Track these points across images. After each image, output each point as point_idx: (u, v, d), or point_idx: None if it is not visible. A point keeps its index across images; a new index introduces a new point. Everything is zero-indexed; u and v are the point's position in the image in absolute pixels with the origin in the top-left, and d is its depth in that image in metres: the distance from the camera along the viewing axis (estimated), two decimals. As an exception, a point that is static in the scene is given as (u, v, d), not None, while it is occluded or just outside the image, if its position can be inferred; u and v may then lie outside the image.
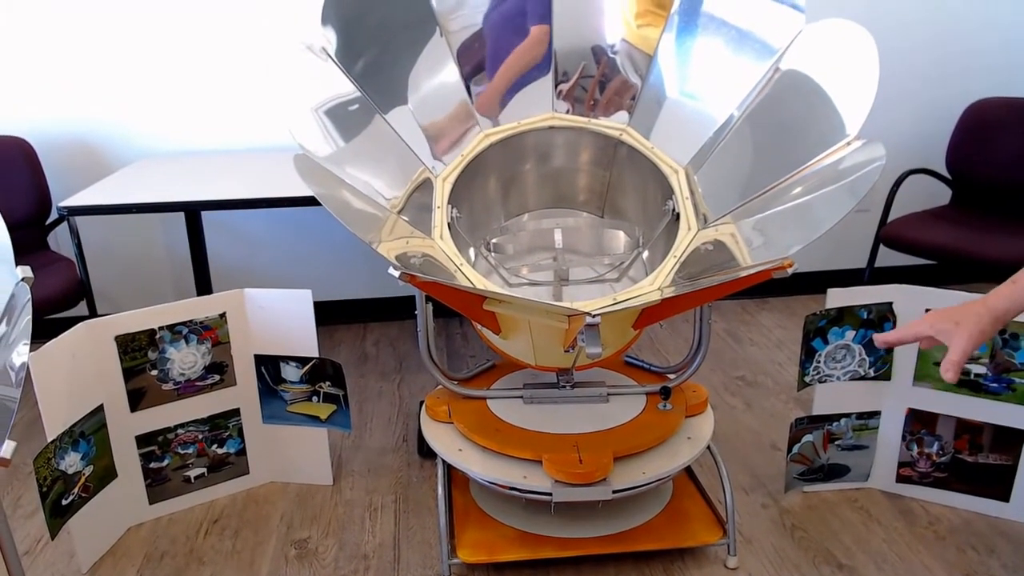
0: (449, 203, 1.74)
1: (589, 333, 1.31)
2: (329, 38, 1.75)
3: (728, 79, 1.80)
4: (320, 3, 1.77)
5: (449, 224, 1.70)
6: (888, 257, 2.81)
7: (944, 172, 2.93)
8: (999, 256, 2.42)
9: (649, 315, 1.66)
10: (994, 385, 1.77)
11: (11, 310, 1.13)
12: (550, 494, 1.50)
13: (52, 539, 1.65)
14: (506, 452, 1.57)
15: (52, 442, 1.63)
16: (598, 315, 1.29)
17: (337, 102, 1.73)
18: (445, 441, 1.67)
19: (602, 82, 1.92)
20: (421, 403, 1.82)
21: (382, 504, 1.96)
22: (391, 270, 1.33)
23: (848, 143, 1.54)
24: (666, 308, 1.59)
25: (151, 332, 1.82)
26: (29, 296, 1.05)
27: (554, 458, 1.51)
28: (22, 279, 1.10)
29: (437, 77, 1.88)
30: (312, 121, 1.66)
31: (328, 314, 3.05)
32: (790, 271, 1.34)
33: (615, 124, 1.90)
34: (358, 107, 1.75)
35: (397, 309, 3.12)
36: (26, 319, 1.11)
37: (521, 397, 1.74)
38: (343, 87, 1.74)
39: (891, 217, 2.81)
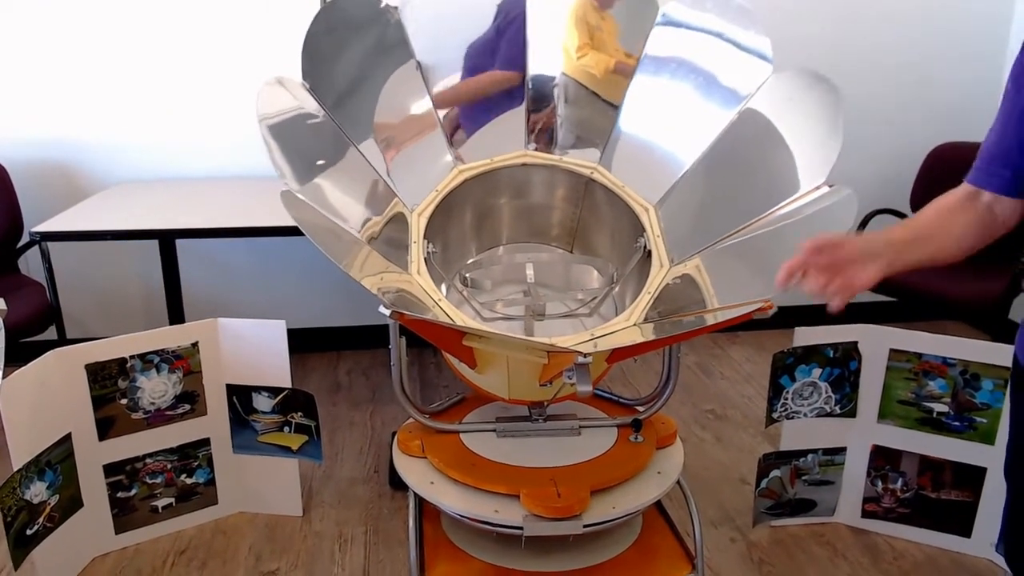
0: (424, 238, 1.76)
1: (580, 372, 1.33)
2: (307, 70, 1.77)
3: (696, 123, 1.84)
4: (301, 35, 1.79)
5: (425, 259, 1.72)
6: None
7: (909, 213, 3.01)
8: (960, 295, 2.48)
9: (624, 351, 1.68)
10: (956, 424, 1.82)
11: (-16, 340, 1.13)
12: (521, 528, 1.51)
13: (16, 570, 1.62)
14: (483, 487, 1.57)
15: (18, 471, 1.61)
16: (590, 355, 1.31)
17: (312, 135, 1.75)
18: (417, 475, 1.67)
19: (560, 118, 1.96)
20: (393, 434, 1.82)
21: (352, 536, 1.95)
22: (381, 308, 1.34)
23: (817, 188, 1.58)
24: (643, 345, 1.62)
25: (122, 361, 1.80)
26: (2, 329, 1.05)
27: (532, 492, 1.52)
28: (-4, 310, 1.10)
29: (410, 107, 1.90)
30: (288, 152, 1.67)
31: (301, 341, 3.03)
32: (770, 312, 1.37)
33: (586, 163, 1.93)
34: (332, 139, 1.76)
35: (370, 337, 3.12)
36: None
37: (494, 431, 1.75)
38: (318, 119, 1.75)
39: (857, 255, 2.87)
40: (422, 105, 1.92)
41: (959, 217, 1.14)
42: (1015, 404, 1.18)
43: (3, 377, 1.14)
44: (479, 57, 1.97)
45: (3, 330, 1.06)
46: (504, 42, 1.99)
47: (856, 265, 1.08)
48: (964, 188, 1.15)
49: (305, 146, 1.71)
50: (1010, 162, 1.10)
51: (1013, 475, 1.21)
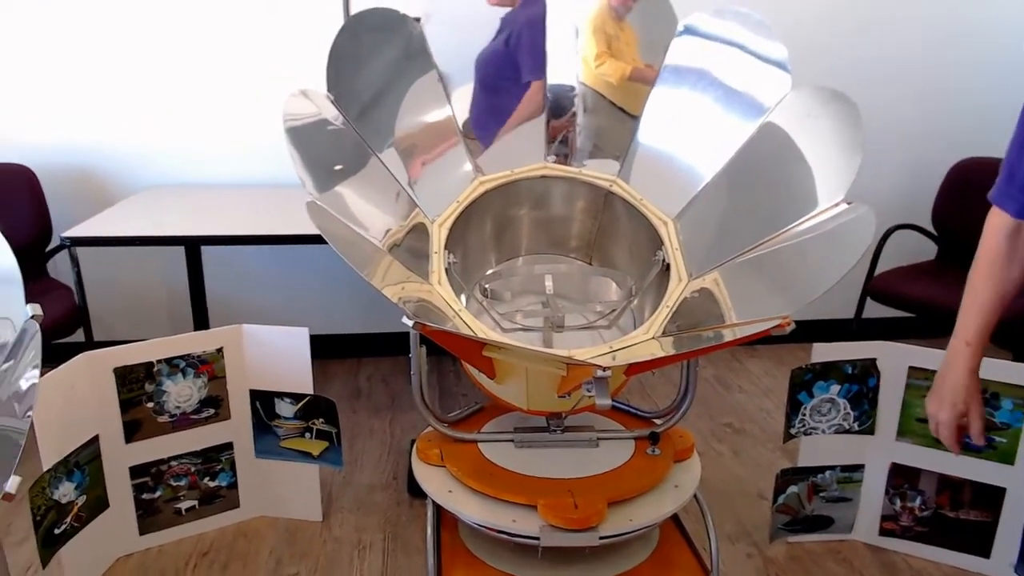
0: (445, 248, 1.78)
1: (598, 384, 1.34)
2: (332, 81, 1.80)
3: (716, 136, 1.85)
4: (324, 46, 1.82)
5: (446, 269, 1.74)
6: (875, 309, 2.87)
7: (930, 228, 3.00)
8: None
9: (643, 364, 1.69)
10: (973, 444, 1.81)
11: (19, 345, 1.16)
12: (538, 538, 1.52)
13: (43, 568, 1.65)
14: (501, 497, 1.58)
15: (47, 471, 1.64)
16: (609, 368, 1.32)
17: (335, 145, 1.77)
18: (436, 483, 1.68)
19: (579, 127, 1.97)
20: (412, 442, 1.84)
21: (371, 542, 1.97)
22: (404, 319, 1.36)
23: (836, 205, 1.59)
24: (661, 359, 1.63)
25: (149, 365, 1.84)
26: (39, 332, 1.08)
27: (550, 503, 1.53)
28: (32, 316, 1.14)
29: (432, 118, 1.93)
30: (312, 162, 1.70)
31: (321, 348, 3.07)
32: (788, 329, 1.38)
33: (605, 175, 1.95)
34: (355, 149, 1.79)
35: (390, 345, 3.15)
36: (33, 355, 1.14)
37: (512, 440, 1.76)
38: (342, 129, 1.78)
39: (878, 270, 2.87)
40: (443, 116, 1.94)
41: (1011, 263, 1.18)
42: None
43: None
44: (488, 68, 1.99)
45: (40, 334, 1.09)
46: (524, 55, 2.01)
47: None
48: (1003, 226, 1.18)
49: (329, 157, 1.74)
50: None
51: None
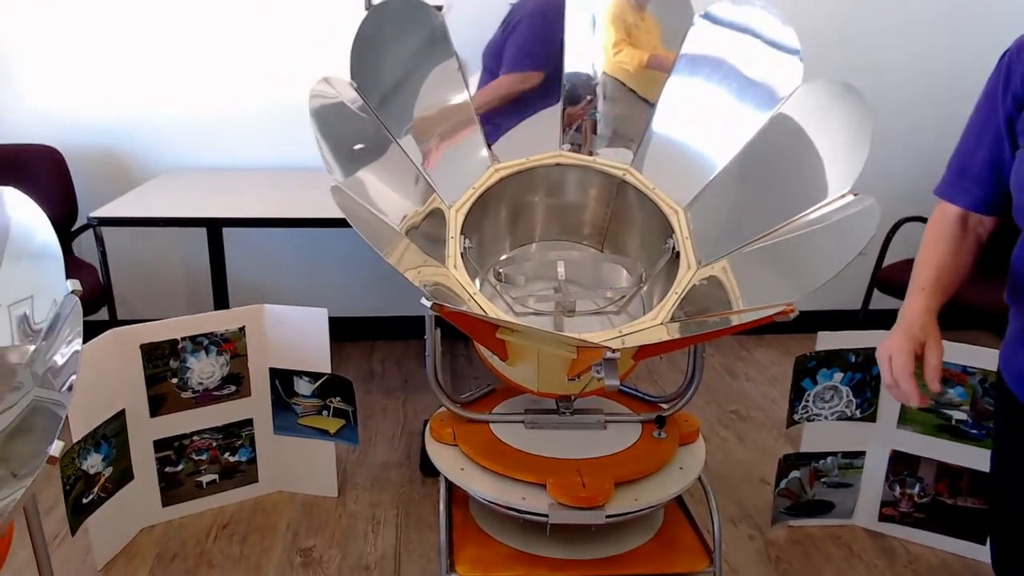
0: (461, 233, 1.83)
1: (607, 366, 1.39)
2: (355, 69, 1.84)
3: (729, 126, 1.88)
4: (345, 31, 1.86)
5: (462, 253, 1.79)
6: (882, 300, 2.90)
7: (940, 221, 3.01)
8: (984, 303, 2.49)
9: (650, 349, 1.74)
10: (974, 432, 1.85)
11: (59, 319, 1.22)
12: (547, 515, 1.58)
13: (72, 535, 1.73)
14: (511, 475, 1.64)
15: (77, 443, 1.71)
16: (618, 351, 1.37)
17: (358, 132, 1.82)
18: (448, 461, 1.74)
19: (595, 116, 2.01)
20: (425, 422, 1.90)
21: (384, 518, 2.04)
22: (423, 300, 1.40)
23: (842, 196, 1.62)
24: (668, 343, 1.67)
25: (174, 342, 1.91)
26: (79, 305, 1.14)
27: (558, 482, 1.59)
28: (71, 291, 1.20)
29: (450, 105, 1.97)
30: (336, 148, 1.75)
31: (336, 330, 3.13)
32: (792, 316, 1.42)
33: (618, 164, 1.98)
34: (376, 136, 1.84)
35: (403, 329, 3.21)
36: (69, 330, 1.19)
37: (523, 422, 1.82)
38: (364, 117, 1.83)
39: (886, 262, 2.90)
40: (462, 103, 1.98)
41: (964, 247, 1.19)
42: (999, 423, 1.20)
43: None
44: (488, 58, 2.03)
45: (80, 307, 1.15)
46: (509, 45, 2.04)
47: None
48: (951, 215, 1.20)
49: (352, 142, 1.79)
50: (982, 180, 1.14)
51: (999, 494, 1.22)
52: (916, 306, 1.18)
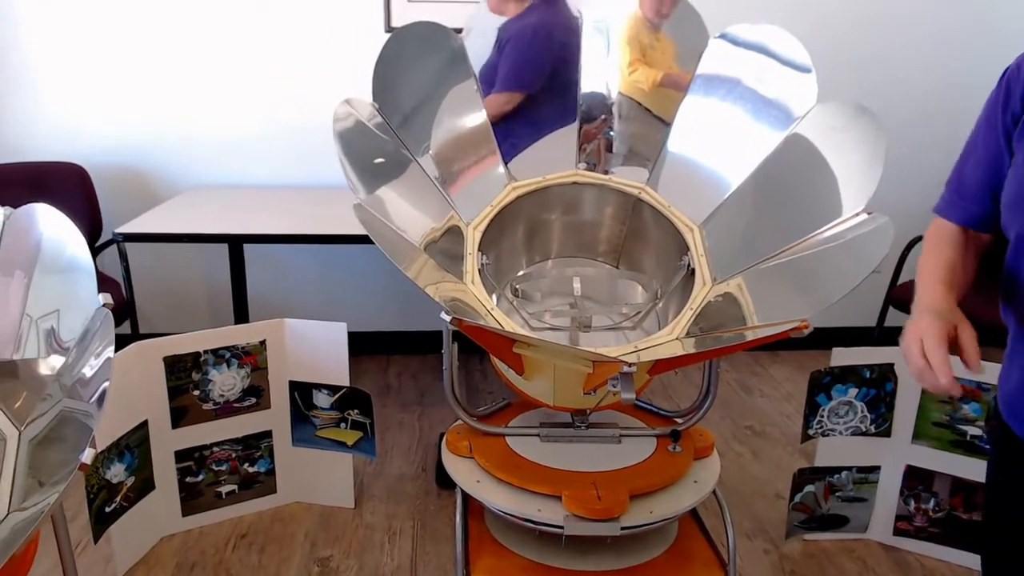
0: (479, 250, 1.86)
1: (624, 380, 1.41)
2: (377, 92, 1.88)
3: (744, 145, 1.91)
4: (364, 51, 1.90)
5: (479, 269, 1.82)
6: (897, 318, 2.90)
7: (954, 238, 3.02)
8: (996, 317, 2.50)
9: (665, 363, 1.76)
10: (988, 447, 1.86)
11: (88, 331, 1.26)
12: (562, 527, 1.60)
13: (95, 543, 1.76)
14: (527, 487, 1.66)
15: (101, 452, 1.75)
16: (634, 365, 1.39)
17: (378, 152, 1.86)
18: (464, 473, 1.76)
19: (610, 135, 2.04)
20: (441, 435, 1.92)
21: (401, 529, 2.06)
22: (443, 314, 1.43)
23: (856, 214, 1.64)
24: (683, 358, 1.69)
25: (196, 355, 1.94)
26: (111, 317, 1.18)
27: (574, 494, 1.60)
28: (103, 305, 1.23)
29: (468, 125, 2.01)
30: (358, 167, 1.78)
31: (352, 344, 3.17)
32: (806, 332, 1.44)
33: (634, 183, 2.01)
34: (396, 155, 1.88)
35: (419, 343, 3.24)
36: (98, 343, 1.23)
37: (538, 435, 1.84)
38: (385, 137, 1.87)
39: (901, 280, 2.91)
40: (480, 123, 2.02)
41: (969, 252, 1.21)
42: (996, 458, 1.20)
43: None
44: (484, 79, 2.06)
45: (111, 319, 1.19)
46: (500, 66, 2.07)
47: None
48: (951, 226, 1.21)
49: (372, 162, 1.83)
50: (978, 198, 1.15)
51: (992, 531, 1.21)
52: (938, 293, 1.12)
